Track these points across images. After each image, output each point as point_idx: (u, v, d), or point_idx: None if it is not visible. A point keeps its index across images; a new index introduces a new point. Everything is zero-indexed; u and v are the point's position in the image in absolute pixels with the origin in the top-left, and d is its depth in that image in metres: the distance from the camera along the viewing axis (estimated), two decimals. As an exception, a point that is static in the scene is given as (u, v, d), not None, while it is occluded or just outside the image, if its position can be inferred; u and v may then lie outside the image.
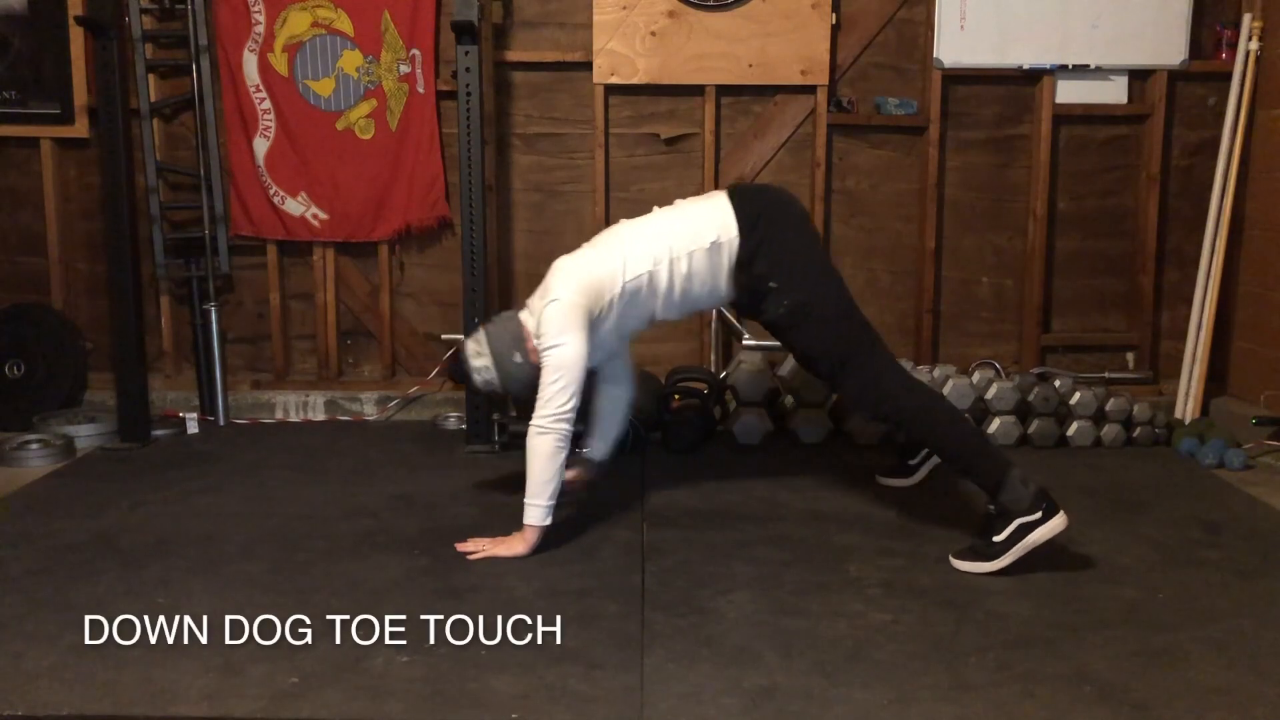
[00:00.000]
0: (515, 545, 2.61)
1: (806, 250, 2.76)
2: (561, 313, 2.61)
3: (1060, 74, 3.91)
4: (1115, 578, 2.51)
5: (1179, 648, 2.15)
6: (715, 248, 2.69)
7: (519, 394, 2.85)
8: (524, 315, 2.77)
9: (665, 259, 2.69)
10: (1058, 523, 2.47)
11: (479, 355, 2.74)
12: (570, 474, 2.97)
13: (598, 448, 3.06)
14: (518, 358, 2.71)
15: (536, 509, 2.60)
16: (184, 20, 3.90)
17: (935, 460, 3.13)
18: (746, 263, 2.69)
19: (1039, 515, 2.46)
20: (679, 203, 2.87)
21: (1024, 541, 2.47)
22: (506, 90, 3.99)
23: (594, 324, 2.66)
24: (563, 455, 2.59)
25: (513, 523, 2.70)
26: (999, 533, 2.49)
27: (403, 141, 3.94)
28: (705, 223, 2.71)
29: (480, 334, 2.79)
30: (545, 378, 2.60)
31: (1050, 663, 2.08)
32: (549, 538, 2.64)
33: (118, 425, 3.69)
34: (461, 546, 2.64)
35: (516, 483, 3.21)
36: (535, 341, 2.67)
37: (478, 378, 2.77)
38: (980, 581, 2.47)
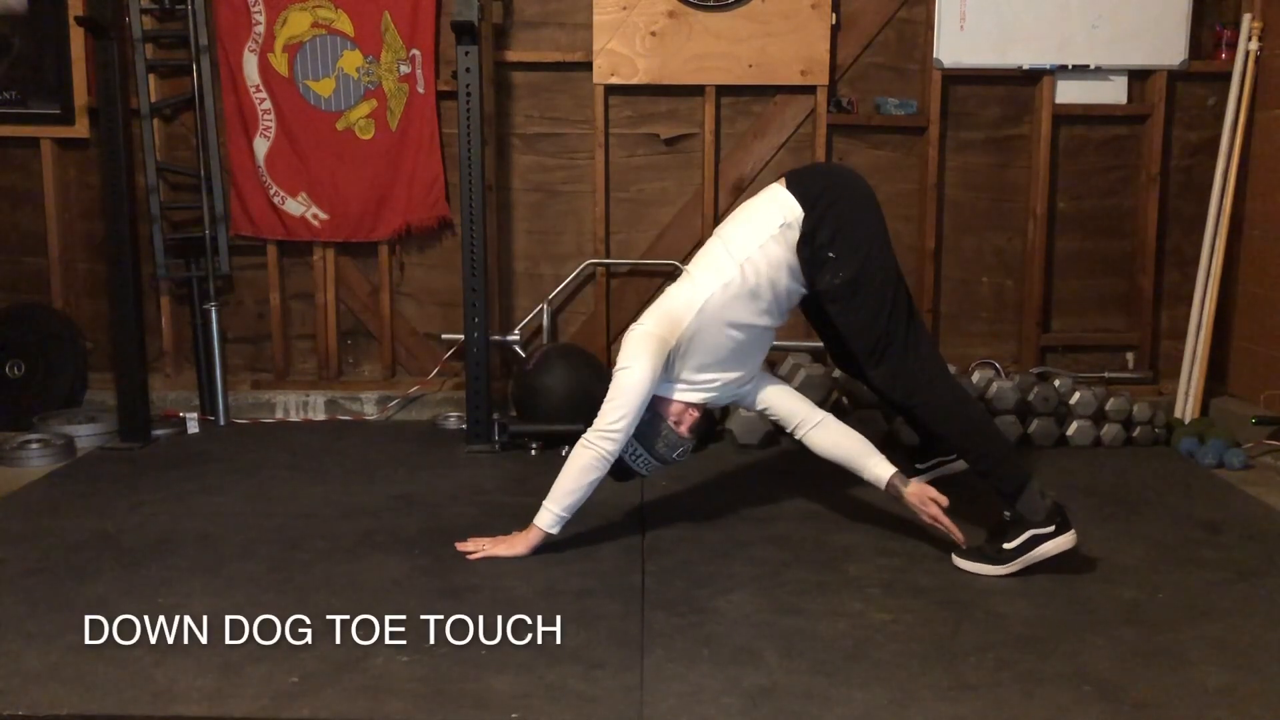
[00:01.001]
0: (516, 545, 2.62)
1: (868, 225, 2.71)
2: (635, 340, 2.61)
3: (1060, 74, 3.91)
4: (1115, 578, 2.51)
5: (1179, 648, 2.15)
6: (785, 229, 2.64)
7: (683, 453, 2.78)
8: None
9: (735, 264, 2.63)
10: (1067, 539, 2.48)
11: (636, 459, 2.70)
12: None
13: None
14: (663, 435, 2.69)
15: (550, 514, 2.59)
16: (184, 20, 3.90)
17: (942, 470, 3.14)
18: (809, 235, 2.63)
19: (1051, 529, 2.47)
20: (738, 211, 2.81)
21: (1033, 552, 2.47)
22: (506, 90, 3.99)
23: (677, 353, 2.63)
24: (598, 474, 2.58)
25: (513, 523, 2.70)
26: (1011, 540, 2.49)
27: (403, 141, 3.94)
28: (767, 213, 2.68)
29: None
30: (608, 394, 2.59)
31: (1050, 663, 2.08)
32: (550, 543, 2.64)
33: (118, 425, 3.69)
34: (462, 546, 2.64)
35: (517, 483, 3.23)
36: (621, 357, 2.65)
37: (645, 472, 2.76)
38: (980, 581, 2.48)
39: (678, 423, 2.71)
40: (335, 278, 4.09)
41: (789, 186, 2.70)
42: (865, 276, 2.64)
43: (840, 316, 2.70)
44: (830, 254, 2.64)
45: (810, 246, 2.64)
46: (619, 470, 2.70)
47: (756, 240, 2.64)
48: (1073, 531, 2.48)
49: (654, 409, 2.66)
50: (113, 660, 2.07)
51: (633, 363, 2.56)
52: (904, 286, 2.73)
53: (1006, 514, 2.53)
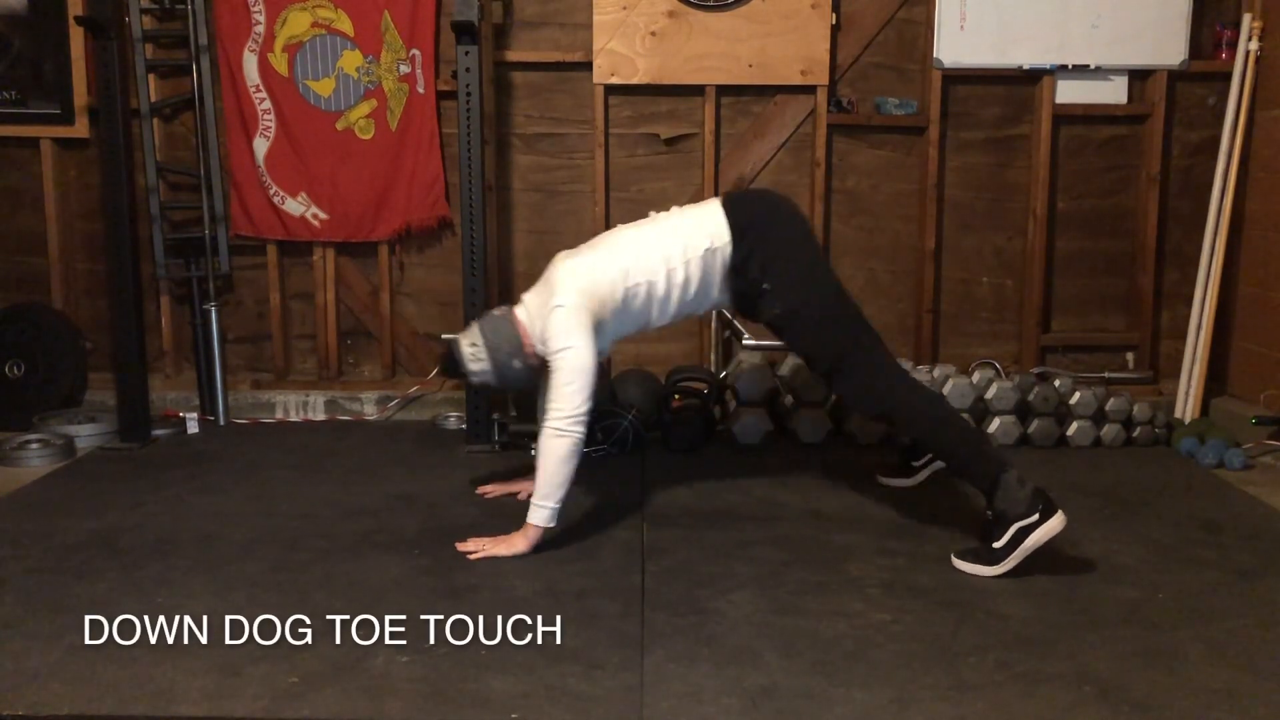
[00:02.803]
0: (516, 543, 2.61)
1: (799, 252, 2.78)
2: (569, 317, 2.63)
3: (1060, 74, 3.91)
4: (1115, 578, 2.51)
5: (1179, 648, 2.15)
6: (710, 254, 2.73)
7: (515, 390, 2.89)
8: (520, 314, 2.78)
9: (663, 268, 2.72)
10: (1055, 523, 2.46)
11: (476, 360, 2.77)
12: (520, 485, 3.02)
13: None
14: (517, 364, 2.76)
15: (543, 510, 2.60)
16: (184, 20, 3.90)
17: (940, 464, 3.14)
18: (740, 267, 2.73)
19: (1036, 517, 2.46)
20: (675, 210, 2.89)
21: (1023, 545, 2.46)
22: (506, 90, 3.99)
23: (596, 328, 2.68)
24: (576, 459, 2.59)
25: (512, 523, 2.70)
26: (998, 538, 2.49)
27: (403, 141, 3.94)
28: (699, 230, 2.75)
29: (475, 334, 2.79)
30: (558, 379, 2.60)
31: (1050, 663, 2.08)
32: (549, 537, 2.64)
33: (118, 425, 3.69)
34: (462, 546, 2.64)
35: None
36: (542, 345, 2.69)
37: (475, 379, 2.82)
38: (980, 581, 2.48)
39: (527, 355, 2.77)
40: (335, 278, 4.09)
41: (724, 209, 2.77)
42: (803, 304, 2.73)
43: (791, 344, 2.84)
44: (765, 286, 2.73)
45: (744, 279, 2.74)
46: (452, 371, 2.83)
47: (684, 254, 2.73)
48: (1060, 514, 2.46)
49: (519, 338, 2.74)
50: (113, 660, 2.07)
51: (575, 342, 2.61)
52: (849, 302, 2.79)
53: (988, 512, 2.53)
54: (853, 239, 4.06)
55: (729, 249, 2.72)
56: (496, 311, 2.85)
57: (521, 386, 2.84)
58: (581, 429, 2.59)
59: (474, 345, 2.77)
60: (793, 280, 2.72)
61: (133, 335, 3.63)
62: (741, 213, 2.76)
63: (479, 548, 2.62)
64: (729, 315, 3.90)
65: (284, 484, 3.23)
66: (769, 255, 2.72)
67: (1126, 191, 4.05)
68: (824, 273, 2.81)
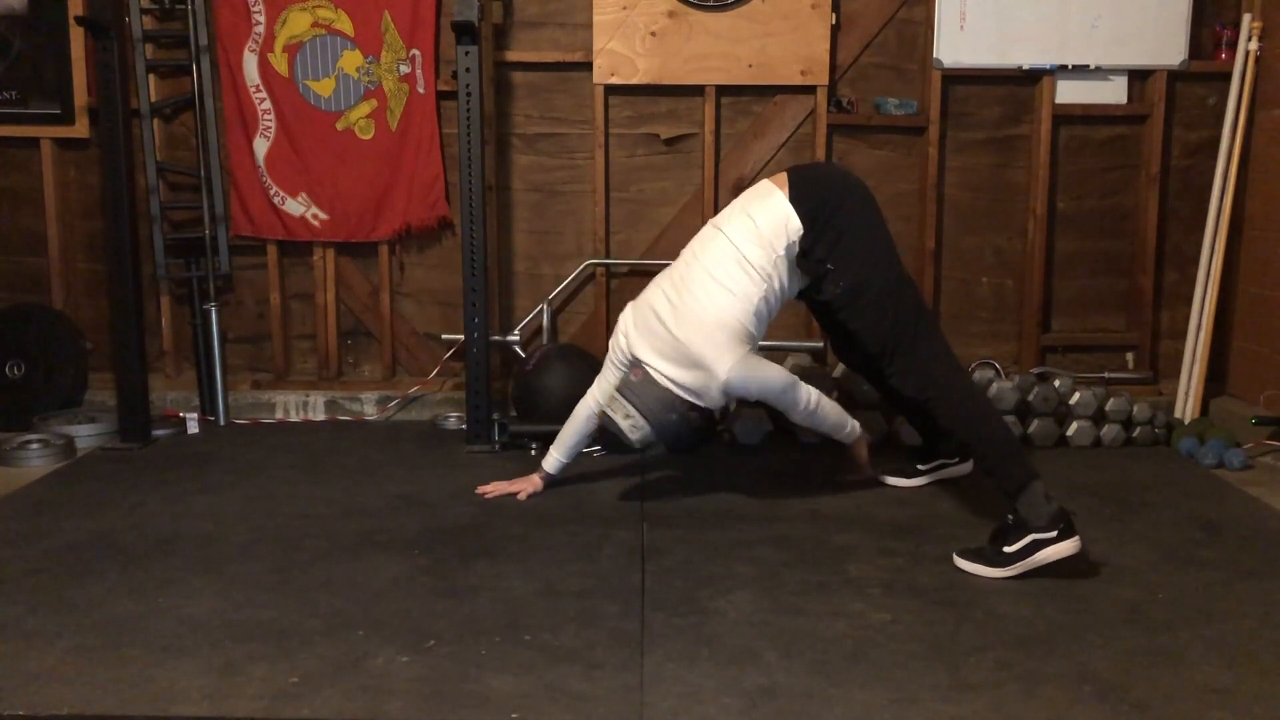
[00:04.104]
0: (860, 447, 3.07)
1: (865, 231, 2.79)
2: (744, 371, 2.76)
3: (1060, 74, 3.91)
4: (1115, 578, 2.51)
5: (1179, 648, 2.15)
6: (790, 249, 2.77)
7: (673, 443, 2.92)
8: (663, 382, 2.80)
9: (764, 284, 2.77)
10: (1069, 546, 2.45)
11: (637, 430, 2.82)
12: (521, 484, 3.05)
13: (555, 463, 3.09)
14: (674, 417, 2.81)
15: (852, 428, 3.04)
16: (184, 20, 3.90)
17: (944, 472, 3.14)
18: (808, 250, 2.76)
19: (1054, 535, 2.45)
20: (740, 210, 2.85)
21: (1034, 557, 2.46)
22: (506, 90, 3.99)
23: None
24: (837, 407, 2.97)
25: (513, 522, 2.70)
26: (1011, 543, 2.48)
27: (403, 142, 3.94)
28: (777, 231, 2.76)
29: (629, 409, 2.81)
30: (783, 401, 2.86)
31: (1050, 663, 2.08)
32: (549, 538, 2.64)
33: (118, 425, 3.69)
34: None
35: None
36: (723, 398, 2.83)
37: (635, 437, 2.85)
38: (980, 582, 2.48)
39: (690, 411, 2.83)
40: (335, 278, 4.09)
41: (793, 200, 2.76)
42: (864, 282, 2.74)
43: (849, 321, 2.83)
44: (829, 265, 2.75)
45: (809, 260, 2.77)
46: (613, 445, 2.93)
47: (769, 257, 2.76)
48: (1076, 539, 2.46)
49: (666, 395, 2.80)
50: (113, 660, 2.07)
51: (761, 373, 2.80)
52: (910, 285, 2.83)
53: (1009, 516, 2.53)
54: (853, 239, 4.05)
55: (801, 235, 2.75)
56: (633, 377, 2.86)
57: (681, 439, 2.88)
58: (818, 394, 2.92)
59: (629, 417, 2.81)
60: (857, 259, 2.75)
61: (133, 335, 3.64)
62: (810, 200, 2.76)
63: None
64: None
65: (284, 484, 3.23)
66: (835, 235, 2.75)
67: (1126, 191, 4.05)
68: (888, 251, 2.81)
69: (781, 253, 2.75)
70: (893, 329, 2.73)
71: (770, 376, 2.82)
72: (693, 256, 2.85)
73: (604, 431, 2.93)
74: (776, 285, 2.78)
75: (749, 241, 2.76)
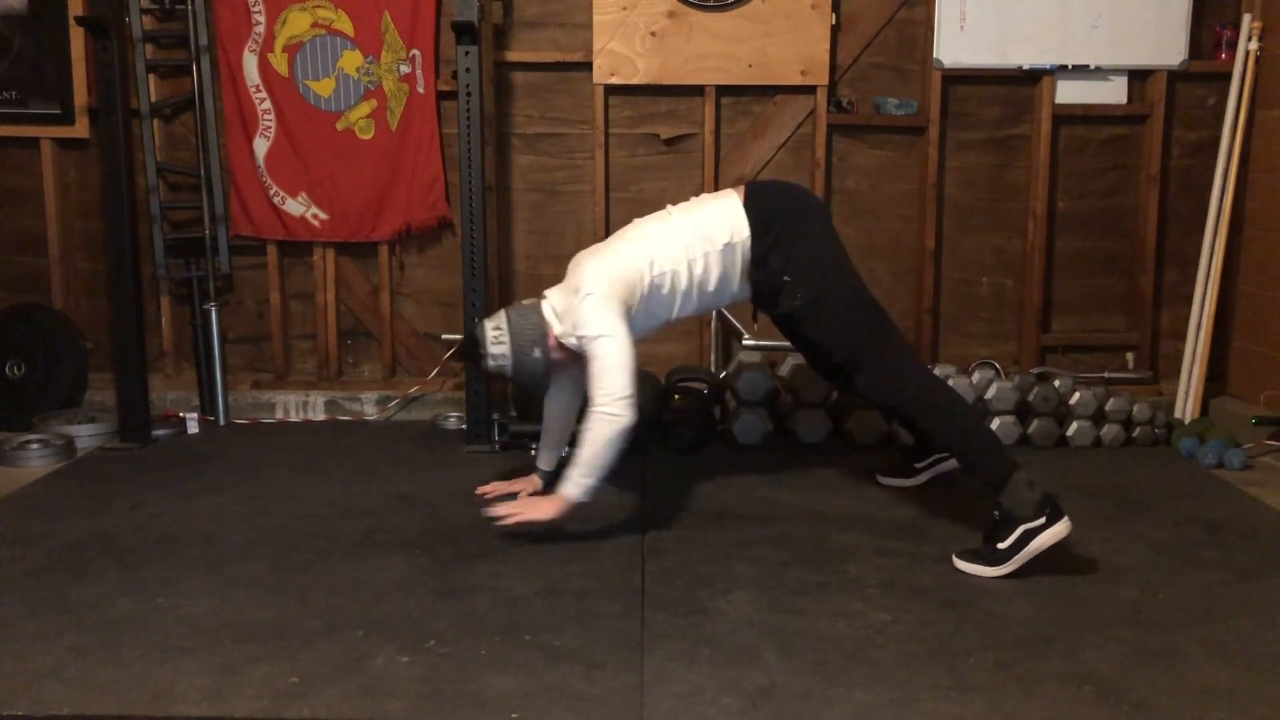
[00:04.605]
0: (546, 509, 2.63)
1: (820, 243, 2.79)
2: (601, 304, 2.63)
3: (1060, 74, 3.91)
4: (1115, 578, 2.51)
5: (1179, 648, 2.16)
6: (729, 249, 2.74)
7: (525, 385, 2.89)
8: (546, 309, 2.77)
9: (684, 259, 2.73)
10: (1061, 528, 2.46)
11: (498, 343, 2.74)
12: (521, 484, 3.03)
13: (546, 458, 3.06)
14: (537, 353, 2.73)
15: (580, 486, 2.61)
16: (184, 20, 3.90)
17: (940, 467, 3.14)
18: (761, 260, 2.74)
19: (1042, 521, 2.46)
20: (694, 201, 2.89)
21: (1028, 548, 2.47)
22: (506, 90, 3.99)
23: (627, 318, 2.68)
24: (624, 444, 2.61)
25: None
26: (1003, 539, 2.49)
27: (403, 142, 3.94)
28: (719, 224, 2.75)
29: (501, 319, 2.77)
30: (599, 365, 2.60)
31: (1050, 663, 2.08)
32: (549, 537, 2.64)
33: (118, 425, 3.69)
34: (493, 510, 2.66)
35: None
36: (574, 338, 2.68)
37: (491, 362, 2.77)
38: (980, 582, 2.48)
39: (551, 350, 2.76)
40: (335, 278, 4.09)
41: (745, 204, 2.76)
42: (825, 294, 2.74)
43: (812, 333, 2.82)
44: (786, 278, 2.74)
45: (764, 271, 2.75)
46: (470, 352, 2.82)
47: (703, 247, 2.74)
48: (1066, 519, 2.47)
49: (543, 327, 2.74)
50: (113, 660, 2.07)
51: (611, 329, 2.61)
52: (868, 295, 2.82)
53: (995, 512, 2.53)
54: (853, 239, 4.04)
55: (749, 243, 2.73)
56: (526, 301, 2.84)
57: (534, 381, 2.82)
58: (633, 413, 2.59)
59: (498, 328, 2.75)
60: (814, 271, 2.73)
61: (133, 335, 3.63)
62: (761, 206, 2.76)
63: (510, 512, 2.63)
64: (729, 315, 3.91)
65: (284, 484, 3.23)
66: (790, 247, 2.73)
67: (1126, 191, 4.05)
68: (844, 263, 2.81)
69: (719, 247, 2.72)
70: (857, 338, 2.73)
71: (616, 337, 2.59)
72: (636, 222, 2.88)
73: (467, 340, 2.87)
74: (700, 271, 2.73)
75: (689, 224, 2.77)
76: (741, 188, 2.84)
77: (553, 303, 2.78)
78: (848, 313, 2.74)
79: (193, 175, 3.99)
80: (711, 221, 2.76)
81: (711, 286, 2.77)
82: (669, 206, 2.90)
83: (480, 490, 3.08)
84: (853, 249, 4.01)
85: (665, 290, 2.75)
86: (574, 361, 2.76)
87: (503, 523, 2.61)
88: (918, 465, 3.18)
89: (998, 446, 2.65)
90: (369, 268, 4.10)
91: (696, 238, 2.73)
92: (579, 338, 2.66)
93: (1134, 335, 4.08)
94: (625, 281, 2.68)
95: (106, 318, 3.84)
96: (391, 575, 2.50)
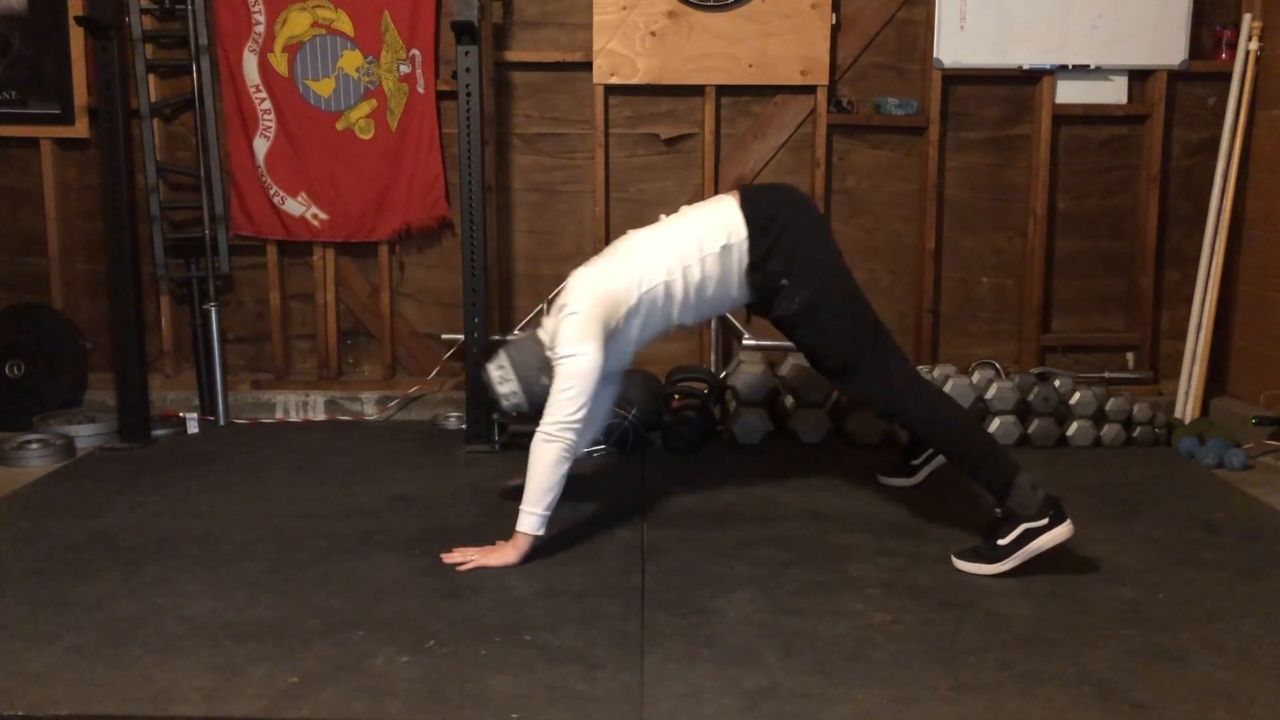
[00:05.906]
0: (506, 554, 2.57)
1: (817, 247, 2.76)
2: (579, 324, 2.59)
3: (1060, 74, 3.91)
4: (1115, 578, 2.51)
5: (1179, 648, 2.16)
6: (725, 251, 2.71)
7: (539, 406, 2.83)
8: (541, 335, 2.76)
9: (679, 267, 2.70)
10: (1063, 530, 2.46)
11: (504, 381, 2.74)
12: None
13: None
14: (544, 380, 2.69)
15: (532, 517, 2.56)
16: (184, 20, 3.90)
17: (938, 462, 3.14)
18: (759, 263, 2.71)
19: (1045, 521, 2.46)
20: (686, 209, 2.87)
21: (1028, 547, 2.47)
22: (506, 90, 3.99)
23: (612, 335, 2.65)
24: (566, 465, 2.56)
25: (512, 523, 2.69)
26: (1004, 536, 2.49)
27: (403, 142, 3.94)
28: (714, 227, 2.73)
29: (502, 358, 2.76)
30: (557, 385, 2.58)
31: (1050, 663, 2.08)
32: (549, 537, 2.64)
33: (118, 425, 3.69)
34: (448, 557, 2.59)
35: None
36: (549, 353, 2.66)
37: (505, 403, 2.78)
38: (980, 582, 2.47)
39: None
40: (335, 278, 4.09)
41: (741, 206, 2.74)
42: (822, 298, 2.71)
43: (807, 338, 2.79)
44: (784, 281, 2.71)
45: (762, 274, 2.72)
46: (486, 399, 2.80)
47: (699, 252, 2.70)
48: (1068, 522, 2.47)
49: (543, 355, 2.70)
50: (113, 660, 2.07)
51: (581, 348, 2.57)
52: (864, 301, 2.78)
53: (997, 511, 2.53)
54: (853, 239, 4.05)
55: (746, 245, 2.71)
56: (521, 334, 2.82)
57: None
58: (573, 435, 2.55)
59: (500, 367, 2.75)
60: (810, 275, 2.71)
61: (133, 335, 3.64)
62: (758, 209, 2.74)
63: (467, 559, 2.57)
64: (729, 316, 3.91)
65: (284, 484, 3.23)
66: (787, 251, 2.70)
67: (1126, 191, 4.05)
68: (840, 268, 2.79)
69: (715, 250, 2.70)
70: (852, 343, 2.71)
71: (585, 356, 2.55)
72: (630, 234, 2.85)
73: (482, 388, 2.83)
74: (696, 276, 2.69)
75: (683, 232, 2.74)
76: (735, 192, 2.83)
77: (545, 326, 2.77)
78: (843, 318, 2.72)
79: (193, 175, 3.99)
80: (707, 226, 2.74)
81: (710, 291, 2.75)
82: (662, 216, 2.89)
83: (504, 486, 3.02)
84: (853, 249, 4.05)
85: (660, 302, 2.72)
86: None
87: (462, 569, 2.54)
88: (915, 463, 3.17)
89: (998, 450, 2.65)
90: (369, 268, 4.10)
91: (691, 244, 2.71)
92: (552, 354, 2.64)
93: (1134, 335, 4.08)
94: (610, 301, 2.66)
95: (106, 318, 3.84)
96: (391, 575, 2.50)
